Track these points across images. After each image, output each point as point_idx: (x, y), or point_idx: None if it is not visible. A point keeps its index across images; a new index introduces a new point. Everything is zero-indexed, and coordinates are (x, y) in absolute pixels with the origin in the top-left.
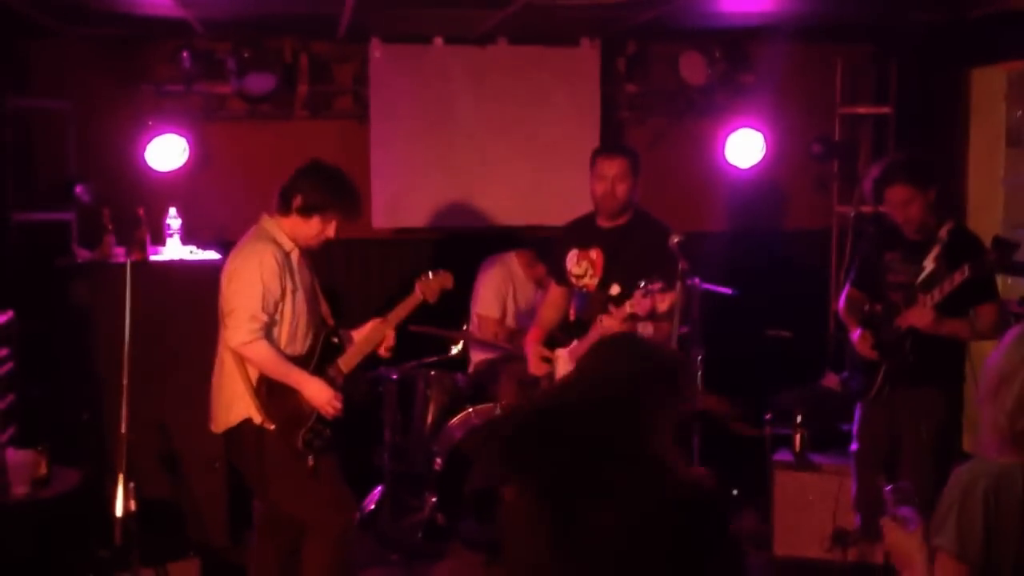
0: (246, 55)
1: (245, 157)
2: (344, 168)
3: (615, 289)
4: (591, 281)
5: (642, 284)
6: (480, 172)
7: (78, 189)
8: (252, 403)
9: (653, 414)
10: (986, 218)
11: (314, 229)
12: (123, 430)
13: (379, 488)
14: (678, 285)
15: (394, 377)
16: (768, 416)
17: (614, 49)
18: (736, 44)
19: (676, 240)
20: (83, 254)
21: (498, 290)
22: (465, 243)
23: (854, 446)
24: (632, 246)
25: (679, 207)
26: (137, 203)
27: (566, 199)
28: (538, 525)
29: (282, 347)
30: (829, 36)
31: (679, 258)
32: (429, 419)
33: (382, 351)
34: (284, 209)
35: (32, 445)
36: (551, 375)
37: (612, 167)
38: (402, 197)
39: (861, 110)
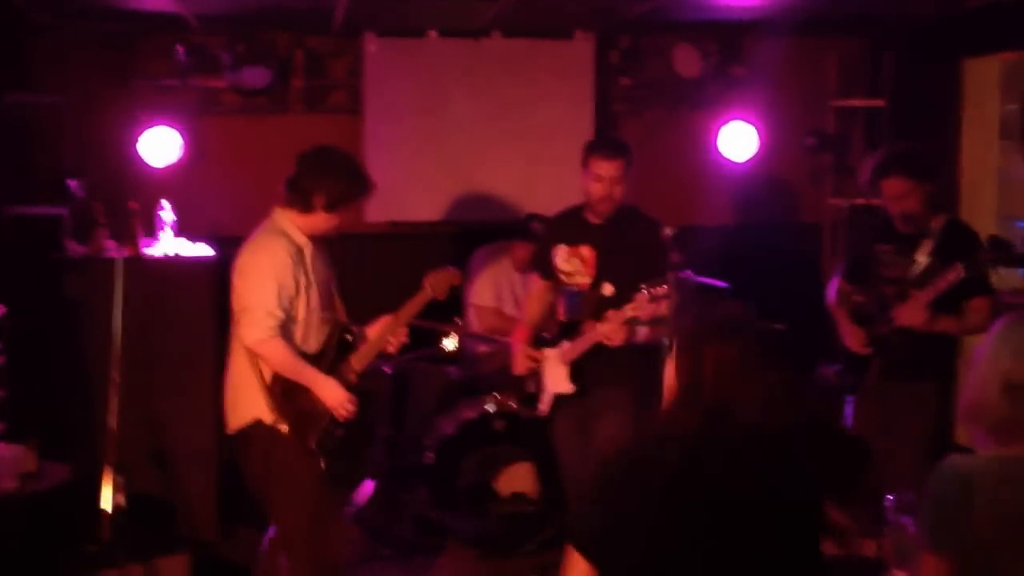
0: (240, 49)
1: (239, 151)
2: None
3: (608, 288)
4: (583, 280)
5: (644, 288)
6: (474, 165)
7: (71, 183)
8: (264, 403)
9: None
10: (979, 209)
11: (338, 220)
12: (113, 424)
13: (371, 482)
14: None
15: (387, 371)
16: None
17: (608, 42)
18: (730, 37)
19: (668, 233)
20: (75, 248)
21: (494, 279)
22: (460, 236)
23: None
24: (625, 243)
25: (672, 200)
26: (131, 197)
27: (560, 191)
28: None
29: (296, 344)
30: (822, 29)
31: (672, 251)
32: (421, 413)
33: (391, 348)
34: (304, 207)
35: (22, 439)
36: (536, 375)
37: (610, 168)
38: (396, 190)
39: (854, 102)
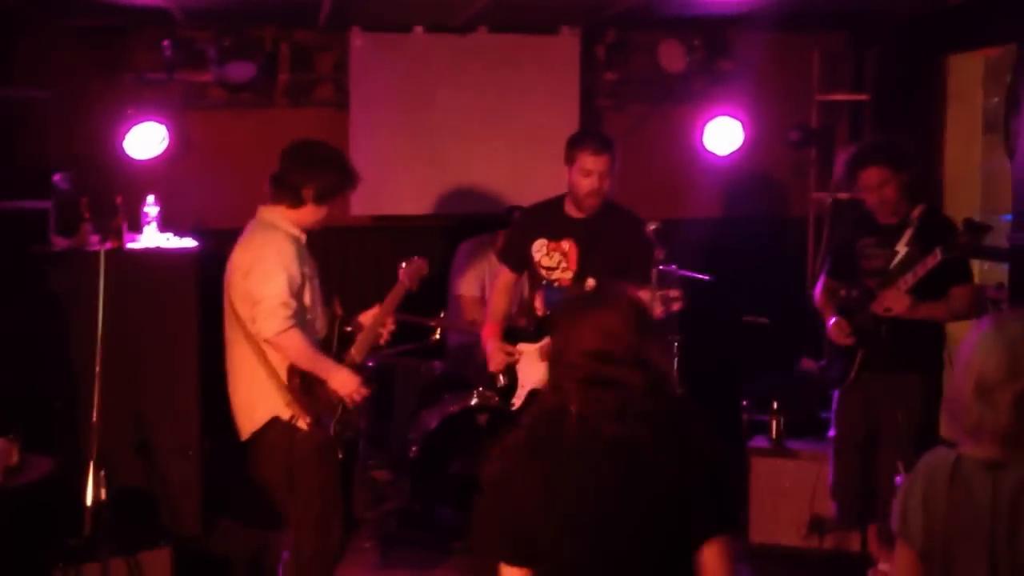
0: (227, 44)
1: (225, 145)
2: None
3: (590, 283)
4: (564, 275)
5: (657, 290)
6: (459, 159)
7: (56, 177)
8: (279, 399)
9: None
10: (963, 204)
11: (327, 212)
12: (95, 418)
13: (355, 475)
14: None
15: (370, 364)
16: (745, 402)
17: (594, 37)
18: (714, 32)
19: (653, 227)
20: (60, 242)
21: (479, 272)
22: (444, 229)
23: (832, 432)
24: (607, 238)
25: (657, 194)
26: (116, 191)
27: (545, 185)
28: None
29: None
30: (806, 24)
31: (656, 245)
32: (406, 407)
33: (382, 338)
34: (294, 201)
35: (5, 432)
36: (512, 370)
37: (599, 163)
38: (381, 184)
39: (838, 97)
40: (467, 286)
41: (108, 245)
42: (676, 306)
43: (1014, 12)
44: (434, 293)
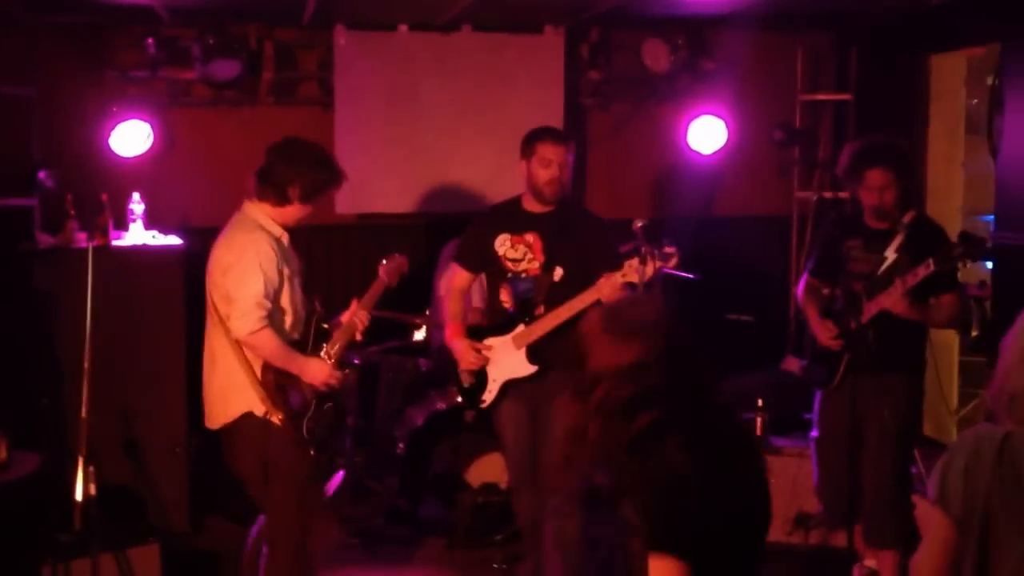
0: (211, 42)
1: (209, 143)
2: None
3: (559, 272)
4: (531, 265)
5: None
6: (444, 158)
7: (41, 175)
8: (254, 395)
9: None
10: (946, 204)
11: (310, 210)
12: (84, 414)
13: (341, 472)
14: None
15: (356, 362)
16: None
17: (578, 36)
18: (698, 32)
19: (640, 224)
20: (45, 239)
21: None
22: (429, 228)
23: (814, 433)
24: (569, 229)
25: (641, 193)
26: (101, 189)
27: None
28: None
29: (285, 334)
30: (790, 23)
31: (642, 242)
32: (391, 404)
33: (358, 335)
34: (279, 199)
35: None
36: (482, 371)
37: (559, 152)
38: (366, 182)
39: (822, 97)
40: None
41: (95, 242)
42: (673, 261)
43: (997, 12)
44: (419, 291)
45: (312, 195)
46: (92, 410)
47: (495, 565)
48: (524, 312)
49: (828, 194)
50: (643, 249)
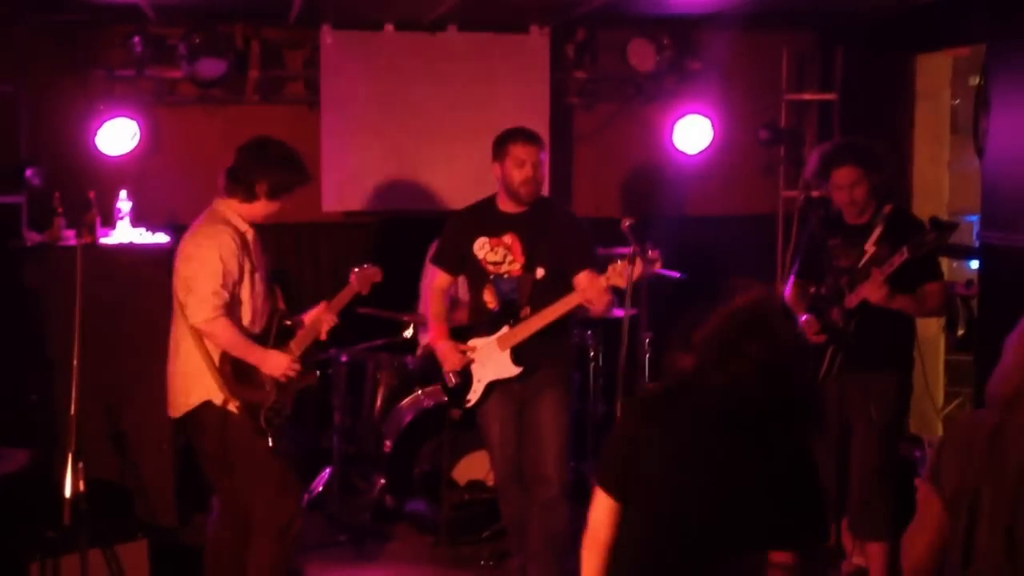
0: (197, 40)
1: (196, 141)
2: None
3: (540, 271)
4: (512, 266)
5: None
6: (430, 157)
7: (28, 173)
8: (213, 384)
9: None
10: (931, 203)
11: (277, 207)
12: (72, 411)
13: (328, 469)
14: (637, 262)
15: (344, 359)
16: None
17: (563, 36)
18: (684, 31)
19: (628, 223)
20: (33, 237)
21: None
22: (414, 226)
23: None
24: (547, 228)
25: (627, 192)
26: (88, 187)
27: None
28: None
29: (243, 327)
30: (775, 23)
31: (631, 241)
32: (378, 401)
33: (322, 335)
34: (246, 195)
35: None
36: (464, 368)
37: (533, 153)
38: (352, 181)
39: (807, 96)
40: None
41: (83, 240)
42: (657, 266)
43: (982, 12)
44: (407, 289)
45: (278, 192)
46: (80, 407)
47: (481, 562)
48: (509, 313)
49: (815, 193)
50: (632, 251)
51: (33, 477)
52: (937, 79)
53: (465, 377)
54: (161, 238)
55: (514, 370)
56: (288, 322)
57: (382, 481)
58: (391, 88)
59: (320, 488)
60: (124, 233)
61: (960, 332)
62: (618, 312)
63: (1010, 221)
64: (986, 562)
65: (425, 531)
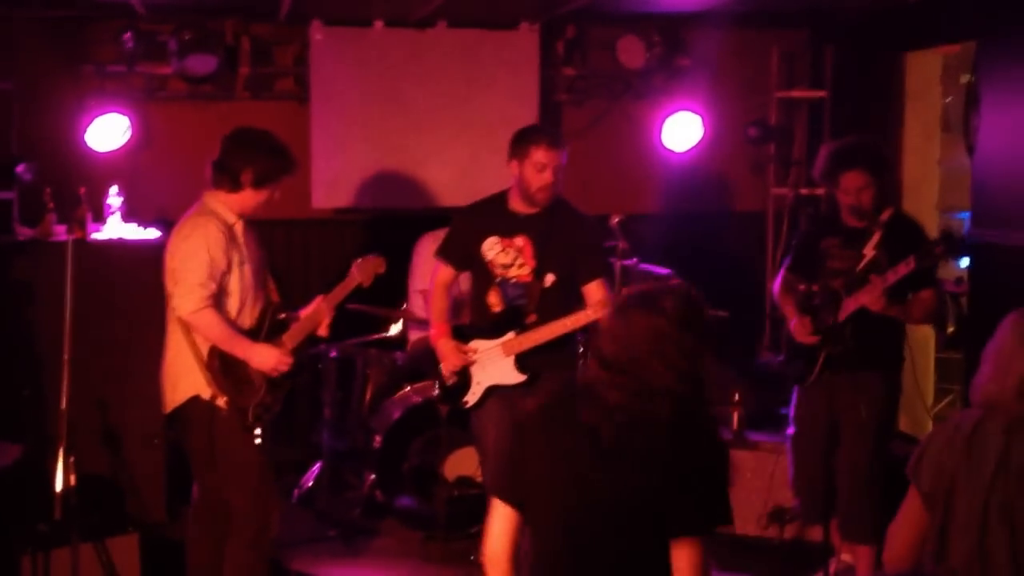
0: (187, 37)
1: (186, 137)
2: None
3: (550, 278)
4: (522, 271)
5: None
6: (419, 153)
7: (19, 168)
8: (201, 378)
9: None
10: (921, 201)
11: (264, 197)
12: (63, 405)
13: (318, 465)
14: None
15: (333, 355)
16: None
17: (553, 33)
18: (674, 28)
19: (616, 220)
20: (24, 232)
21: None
22: (404, 223)
23: (791, 430)
24: (561, 233)
25: (617, 189)
26: (79, 182)
27: (504, 179)
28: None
29: (231, 319)
30: (765, 21)
31: (619, 238)
32: (368, 397)
33: (321, 331)
34: (232, 185)
35: None
36: (463, 369)
37: (555, 157)
38: (342, 177)
39: (797, 94)
40: (425, 281)
41: (74, 235)
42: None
43: (972, 9)
44: (395, 286)
45: (264, 181)
46: (71, 401)
47: (471, 558)
48: (514, 319)
49: (804, 191)
50: (619, 246)
51: (24, 472)
52: (927, 77)
53: (464, 377)
54: (152, 233)
55: (518, 378)
56: (282, 315)
57: (372, 477)
58: (381, 84)
59: (310, 483)
60: (115, 229)
61: (950, 329)
62: None
63: (1000, 219)
64: (959, 558)
65: (414, 527)
